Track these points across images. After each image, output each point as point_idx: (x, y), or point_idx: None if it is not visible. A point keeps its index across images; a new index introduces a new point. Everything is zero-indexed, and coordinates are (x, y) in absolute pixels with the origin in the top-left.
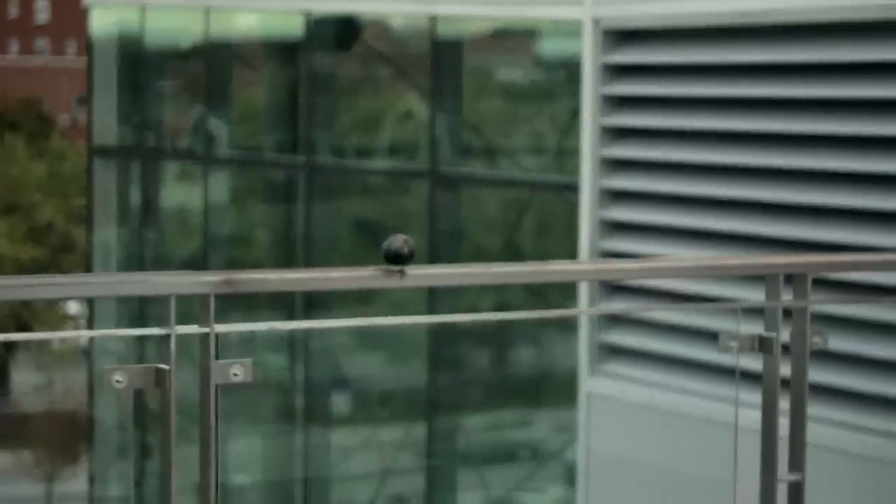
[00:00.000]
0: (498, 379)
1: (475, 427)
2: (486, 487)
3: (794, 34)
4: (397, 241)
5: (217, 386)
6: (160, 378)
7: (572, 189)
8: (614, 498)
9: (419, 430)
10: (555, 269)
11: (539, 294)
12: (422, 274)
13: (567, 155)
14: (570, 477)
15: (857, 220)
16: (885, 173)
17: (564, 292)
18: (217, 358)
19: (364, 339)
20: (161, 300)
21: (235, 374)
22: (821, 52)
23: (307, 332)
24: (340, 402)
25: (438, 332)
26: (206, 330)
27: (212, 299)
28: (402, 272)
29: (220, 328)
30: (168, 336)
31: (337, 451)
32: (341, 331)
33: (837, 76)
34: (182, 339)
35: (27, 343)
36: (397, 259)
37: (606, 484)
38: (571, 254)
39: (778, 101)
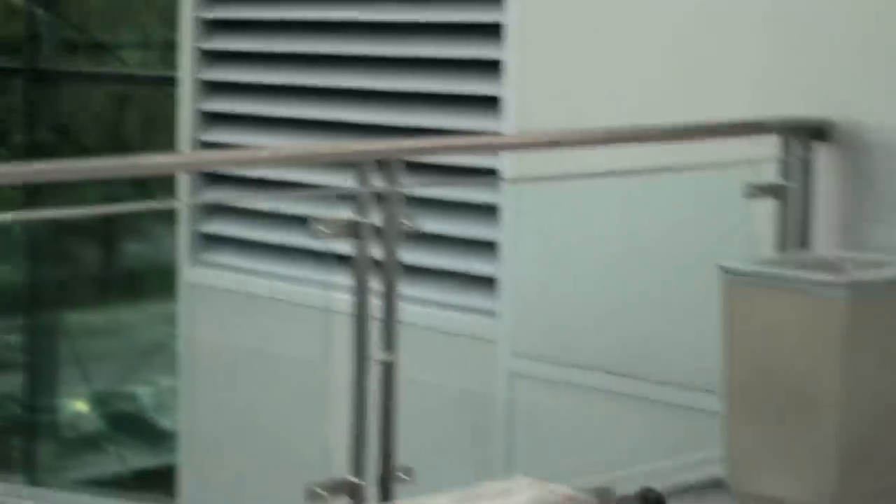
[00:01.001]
0: (102, 274)
1: (78, 323)
2: (90, 384)
3: None
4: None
5: None
6: None
7: (173, 82)
8: (217, 386)
9: (18, 329)
10: (153, 163)
11: (143, 187)
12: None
13: (172, 49)
14: (173, 368)
15: (444, 104)
16: (469, 59)
17: (167, 185)
18: None
19: None
20: None
21: None
22: None
23: None
24: None
25: (41, 228)
26: None
27: None
28: None
29: None
30: None
31: None
32: None
33: None
34: None
35: None
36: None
37: (209, 373)
38: (174, 146)
39: None
